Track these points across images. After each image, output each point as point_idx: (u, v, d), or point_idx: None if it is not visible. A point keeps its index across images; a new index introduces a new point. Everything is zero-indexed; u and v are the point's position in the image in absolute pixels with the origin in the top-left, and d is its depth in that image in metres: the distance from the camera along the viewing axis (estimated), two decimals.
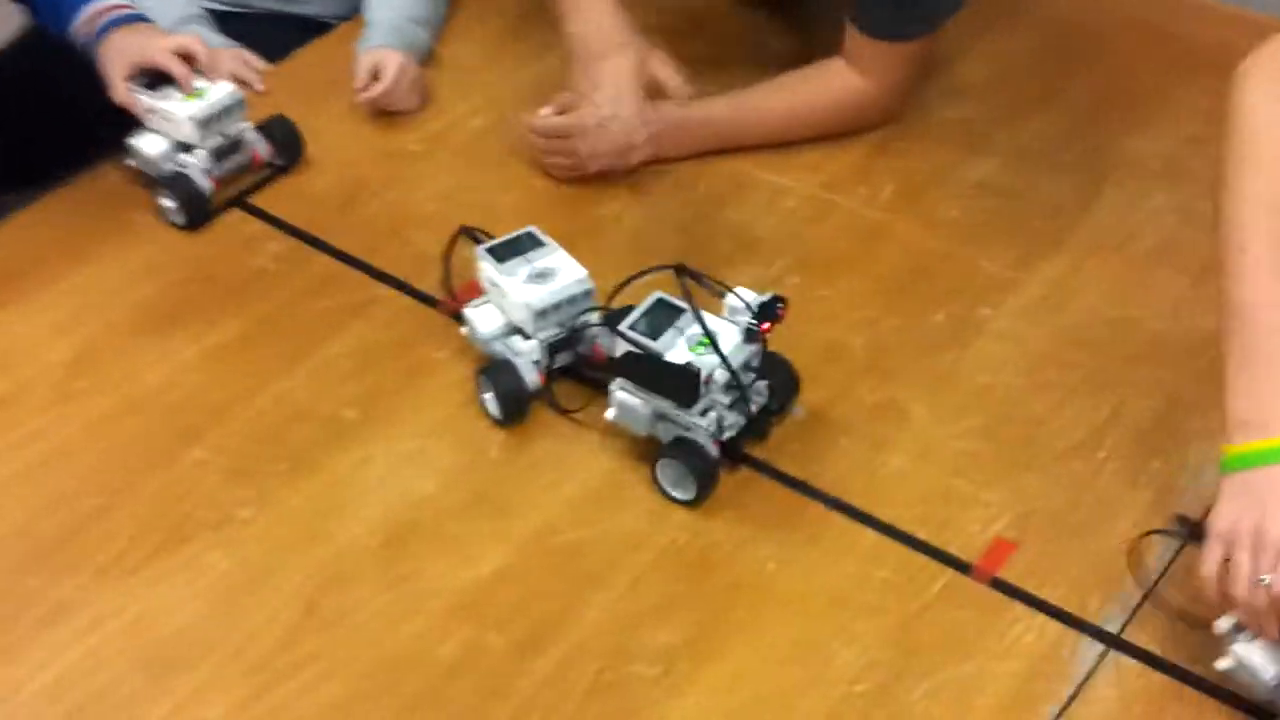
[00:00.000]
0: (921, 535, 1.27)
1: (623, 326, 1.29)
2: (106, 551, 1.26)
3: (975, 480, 1.32)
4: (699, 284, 1.31)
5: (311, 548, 1.27)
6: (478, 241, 1.46)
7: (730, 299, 1.31)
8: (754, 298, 1.30)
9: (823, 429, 1.36)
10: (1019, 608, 1.22)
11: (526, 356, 1.37)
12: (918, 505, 1.30)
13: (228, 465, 1.34)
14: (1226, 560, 1.09)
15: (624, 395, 1.31)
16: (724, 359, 1.26)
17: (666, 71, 1.59)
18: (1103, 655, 1.18)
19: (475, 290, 1.46)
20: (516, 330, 1.39)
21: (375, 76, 1.71)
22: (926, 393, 1.39)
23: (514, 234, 1.41)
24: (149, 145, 1.59)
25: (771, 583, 1.24)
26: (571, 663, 1.18)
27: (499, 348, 1.39)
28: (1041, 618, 1.21)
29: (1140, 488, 1.30)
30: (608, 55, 1.59)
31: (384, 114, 1.72)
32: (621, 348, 1.29)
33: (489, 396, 1.37)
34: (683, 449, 1.29)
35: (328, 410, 1.39)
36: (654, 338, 1.28)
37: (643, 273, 1.33)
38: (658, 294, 1.32)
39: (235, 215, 1.61)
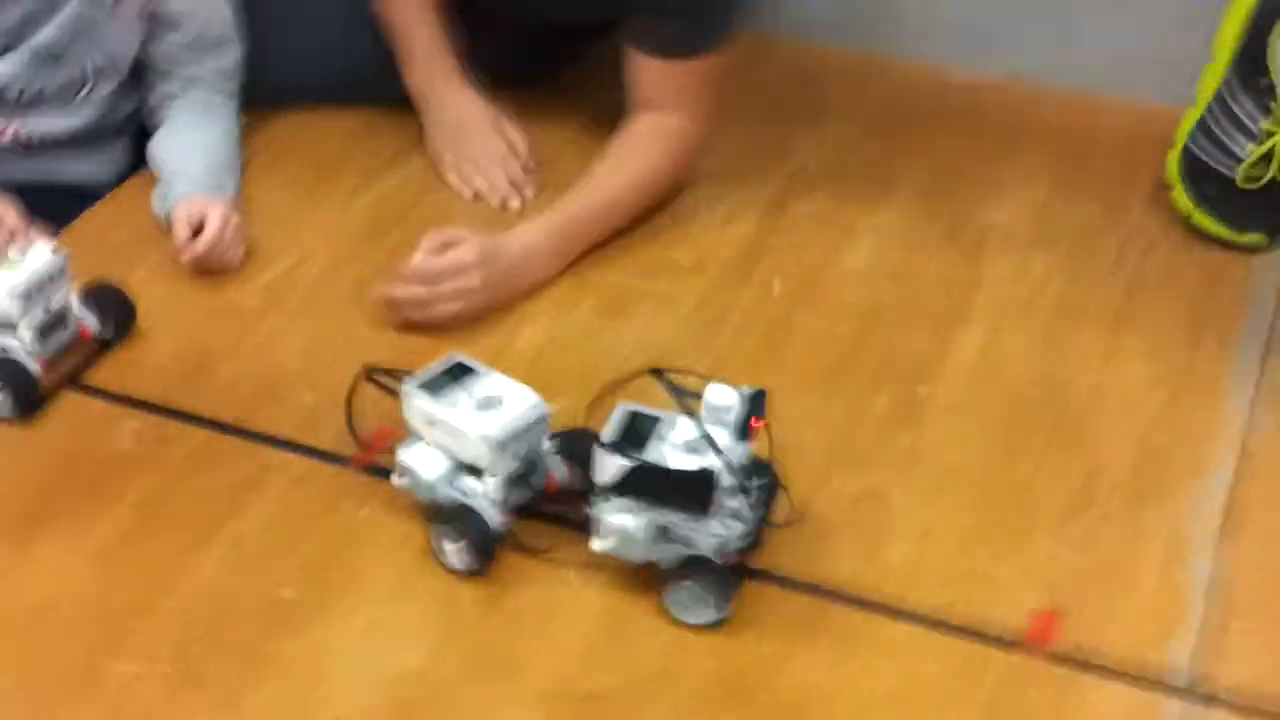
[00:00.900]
0: (956, 621, 1.21)
1: (599, 444, 1.18)
2: None
3: (986, 556, 1.26)
4: (670, 389, 1.23)
5: None
6: (381, 385, 1.34)
7: (709, 397, 1.22)
8: (734, 392, 1.22)
9: (811, 529, 1.28)
10: (1085, 678, 1.16)
11: (485, 496, 1.24)
12: (940, 591, 1.23)
13: (166, 674, 1.14)
14: None
15: (620, 520, 1.19)
16: (725, 459, 1.17)
17: (516, 135, 1.74)
18: (1193, 710, 1.14)
19: (386, 437, 1.33)
20: (467, 470, 1.26)
21: (196, 230, 1.56)
22: (901, 476, 1.34)
23: (438, 364, 1.29)
24: None
25: (824, 698, 1.14)
26: None
27: (448, 492, 1.25)
28: (1111, 684, 1.16)
29: (1148, 537, 1.29)
30: (470, 128, 1.74)
31: (205, 271, 1.56)
32: (611, 468, 1.18)
33: (452, 547, 1.23)
34: (696, 567, 1.18)
35: (261, 595, 1.22)
36: (640, 451, 1.18)
37: (616, 384, 1.23)
38: (626, 406, 1.23)
39: (72, 399, 1.41)
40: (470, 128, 1.74)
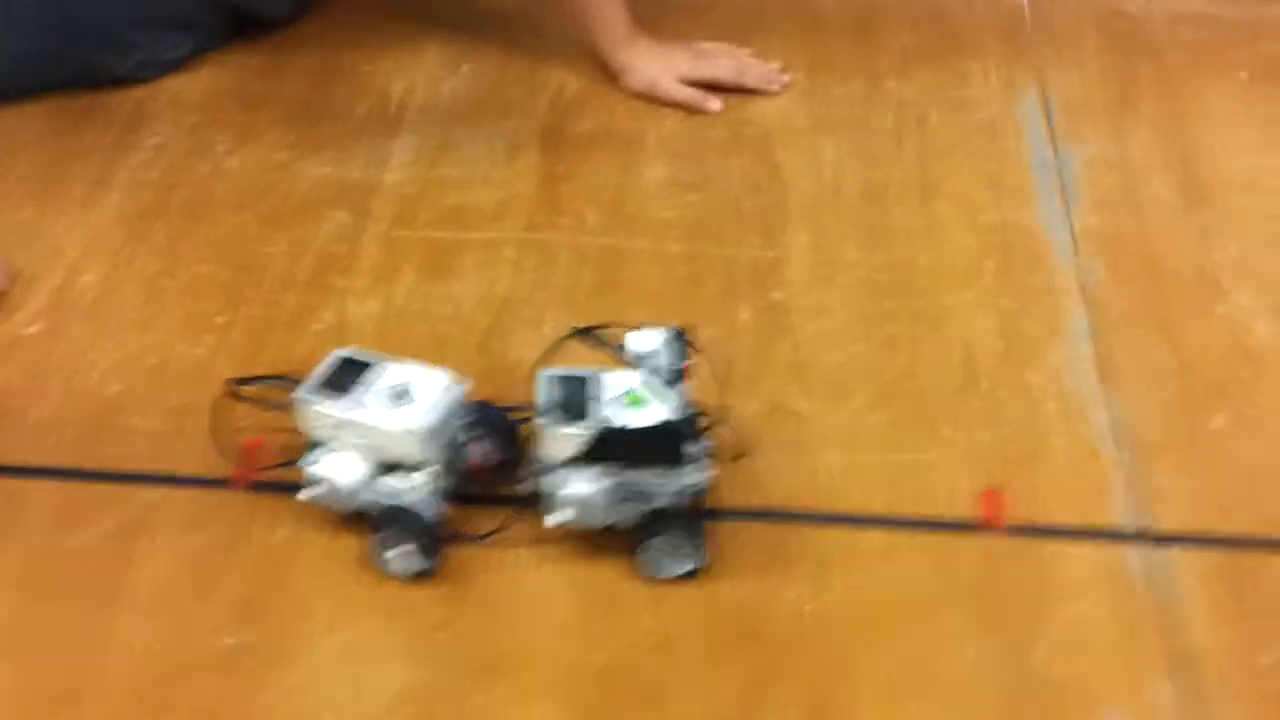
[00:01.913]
0: (912, 515, 1.24)
1: (545, 418, 1.14)
2: None
3: (911, 448, 1.30)
4: (590, 343, 1.20)
5: None
6: (245, 398, 1.25)
7: (633, 345, 1.20)
8: (656, 336, 1.20)
9: (732, 454, 1.28)
10: (1048, 546, 1.22)
11: (419, 491, 1.18)
12: (884, 490, 1.26)
13: None
14: None
15: (577, 489, 1.16)
16: (679, 407, 1.16)
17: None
18: (1152, 554, 1.21)
19: (257, 448, 1.24)
20: (389, 468, 1.18)
21: None
22: (796, 385, 1.35)
23: (324, 365, 1.21)
24: None
25: (825, 622, 1.15)
26: None
27: (371, 496, 1.18)
28: (1073, 545, 1.22)
29: (1040, 400, 1.35)
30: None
31: None
32: (569, 439, 1.14)
33: (395, 553, 1.16)
34: (664, 521, 1.16)
35: (201, 648, 1.12)
36: (583, 416, 1.15)
37: (551, 349, 1.19)
38: (548, 371, 1.19)
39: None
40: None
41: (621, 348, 1.20)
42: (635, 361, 1.19)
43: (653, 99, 1.70)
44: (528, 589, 1.17)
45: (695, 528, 1.17)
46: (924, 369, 1.38)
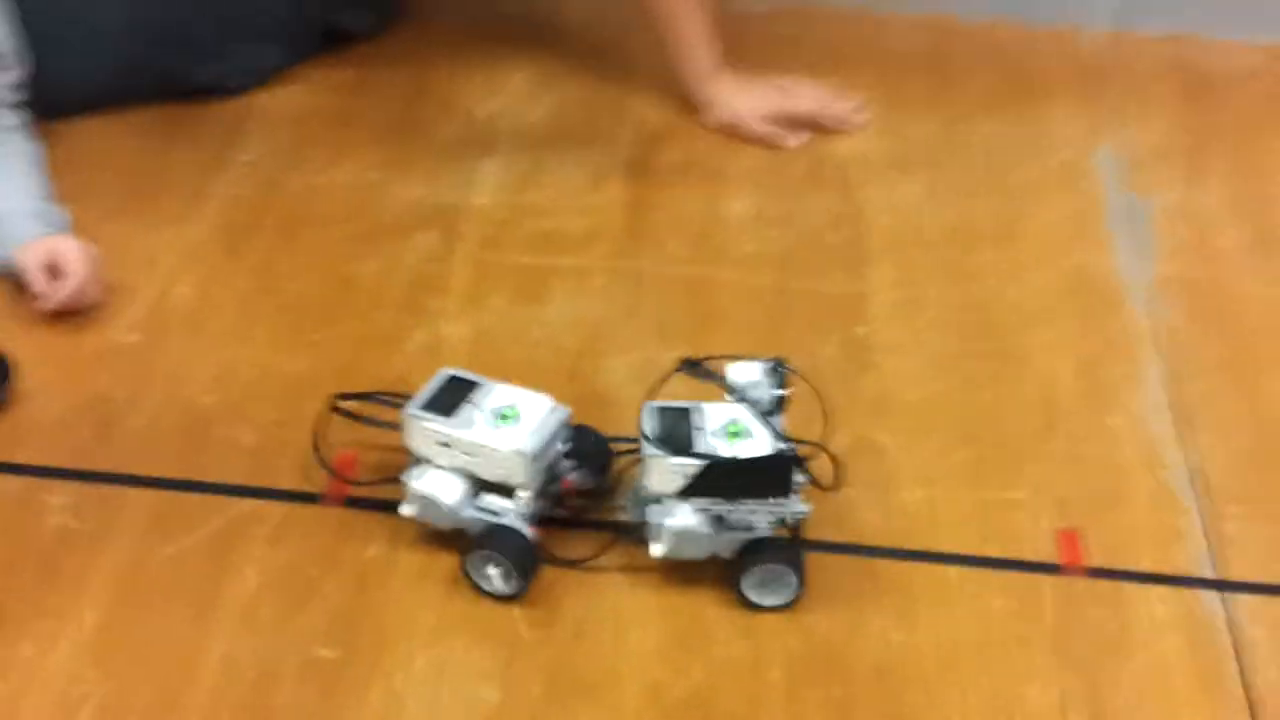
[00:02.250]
0: (994, 554, 1.25)
1: (654, 449, 1.16)
2: None
3: (992, 487, 1.31)
4: (698, 375, 1.22)
5: None
6: (346, 414, 1.27)
7: (734, 377, 1.21)
8: (756, 367, 1.21)
9: (827, 485, 1.29)
10: (1127, 587, 1.23)
11: (515, 512, 1.19)
12: (965, 528, 1.27)
13: None
14: None
15: (682, 520, 1.17)
16: (783, 437, 1.17)
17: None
18: (1225, 600, 1.22)
19: (351, 465, 1.26)
20: (487, 488, 1.20)
21: (54, 273, 1.41)
22: (881, 420, 1.36)
23: (434, 382, 1.22)
24: None
25: (911, 656, 1.16)
26: None
27: (472, 514, 1.20)
28: (1151, 588, 1.22)
29: (1121, 443, 1.36)
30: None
31: (61, 314, 1.41)
32: (678, 471, 1.15)
33: (496, 571, 1.18)
34: (768, 549, 1.18)
35: (296, 659, 1.13)
36: (688, 447, 1.16)
37: (659, 382, 1.20)
38: (653, 404, 1.21)
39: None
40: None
41: (723, 379, 1.21)
42: (737, 392, 1.21)
43: (735, 134, 1.71)
44: (618, 613, 1.18)
45: (796, 558, 1.18)
46: (1005, 408, 1.39)
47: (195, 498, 1.26)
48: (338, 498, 1.26)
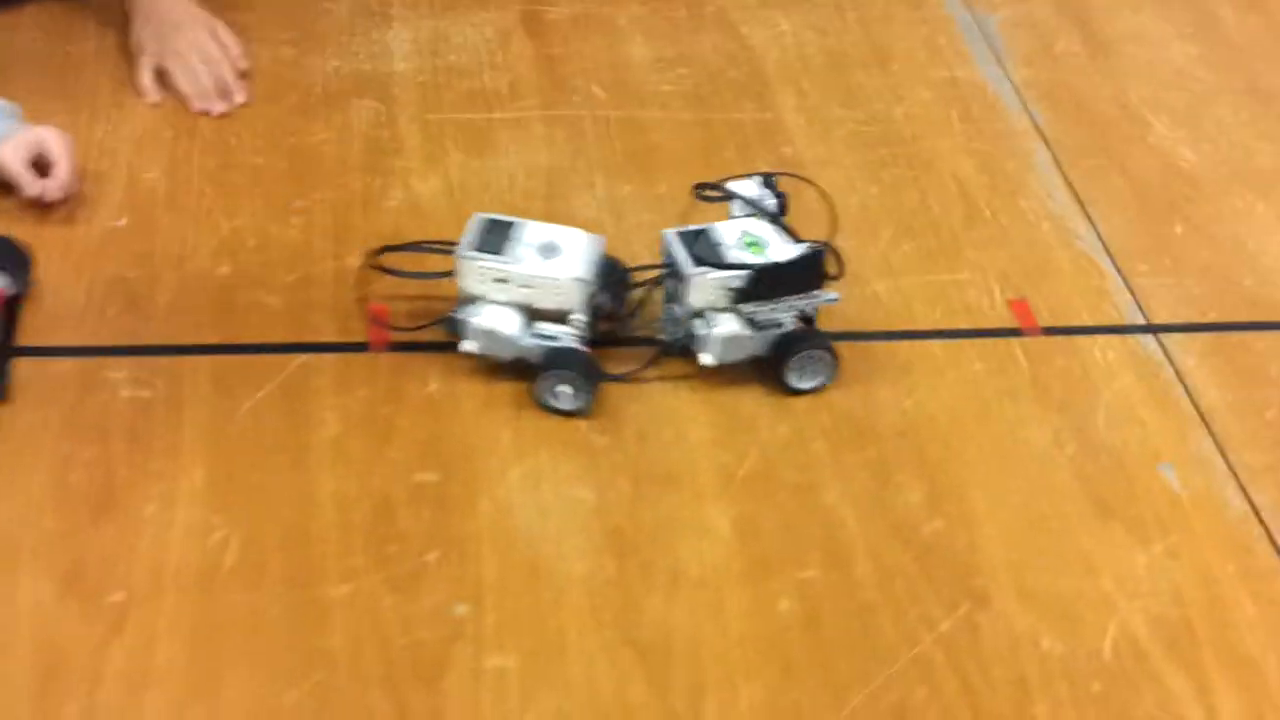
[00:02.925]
0: (964, 326, 1.42)
1: (694, 268, 1.27)
2: None
3: (942, 269, 1.48)
4: (711, 198, 1.34)
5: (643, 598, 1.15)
6: (390, 270, 1.34)
7: (742, 191, 1.34)
8: (754, 180, 1.34)
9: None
10: (1078, 340, 1.42)
11: (570, 335, 1.29)
12: (933, 307, 1.43)
13: (388, 578, 1.14)
14: None
15: (727, 328, 1.29)
16: (797, 238, 1.31)
17: (230, 38, 1.65)
18: (1159, 339, 1.43)
19: (386, 315, 1.34)
20: (542, 317, 1.29)
21: (37, 167, 1.41)
22: (831, 227, 1.51)
23: (473, 225, 1.30)
24: None
25: (928, 418, 1.32)
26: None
27: (532, 342, 1.29)
28: (1099, 337, 1.42)
29: (1050, 217, 1.55)
30: (183, 27, 1.62)
31: (49, 206, 1.42)
32: (720, 282, 1.27)
33: (566, 390, 1.27)
34: (807, 340, 1.31)
35: (397, 485, 1.22)
36: (723, 261, 1.28)
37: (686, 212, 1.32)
38: (671, 230, 1.32)
39: (29, 366, 1.28)
40: (184, 28, 1.63)
41: (729, 196, 1.33)
42: (746, 206, 1.33)
43: None
44: (672, 415, 1.30)
45: (829, 342, 1.32)
46: (930, 205, 1.56)
47: (247, 359, 1.31)
48: (382, 344, 1.34)
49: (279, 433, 1.25)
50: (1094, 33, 1.84)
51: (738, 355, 1.31)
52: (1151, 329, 1.44)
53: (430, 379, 1.31)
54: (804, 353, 1.31)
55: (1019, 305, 1.45)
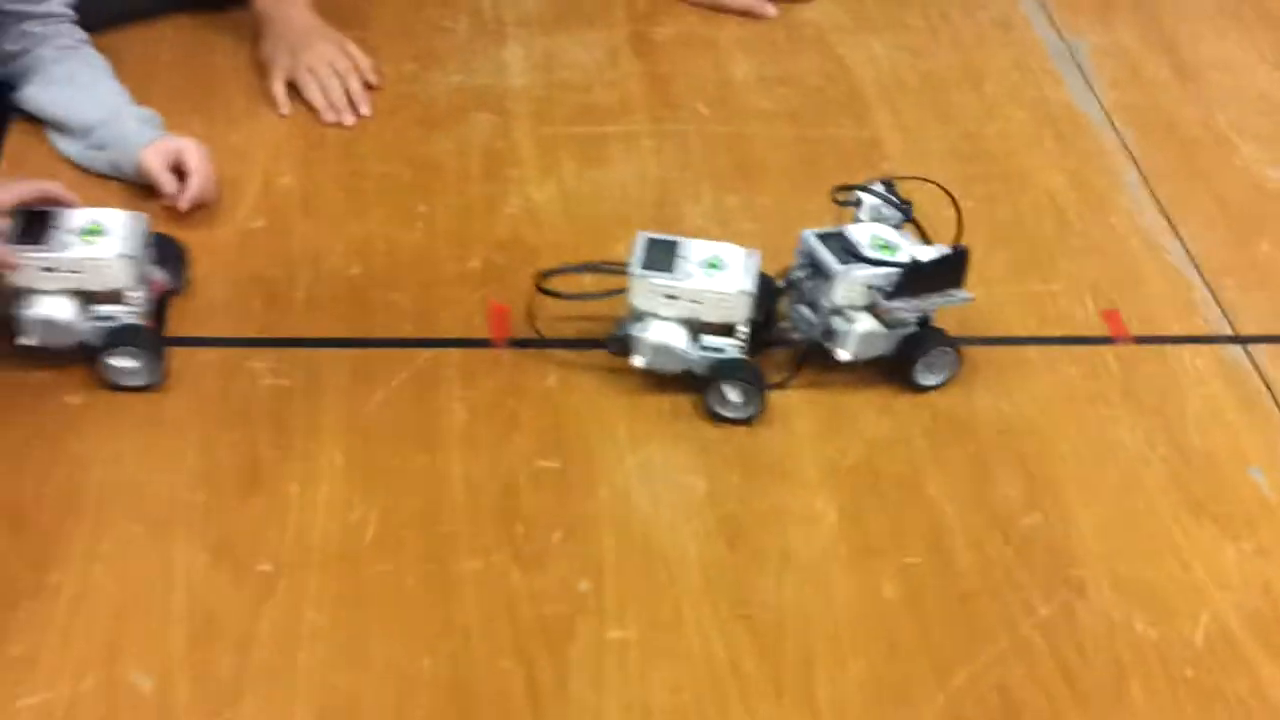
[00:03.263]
0: (1057, 334, 1.47)
1: (842, 269, 1.33)
2: None
3: (1034, 280, 1.53)
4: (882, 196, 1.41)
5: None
6: (554, 293, 1.40)
7: (867, 200, 1.39)
8: (880, 186, 1.40)
9: None
10: (1168, 349, 1.46)
11: (734, 347, 1.35)
12: (1026, 315, 1.49)
13: (517, 554, 1.21)
14: None
15: (864, 325, 1.34)
16: (927, 239, 1.40)
17: (359, 53, 1.73)
18: (1247, 350, 1.47)
19: (507, 315, 1.41)
20: (705, 329, 1.34)
21: (176, 172, 1.49)
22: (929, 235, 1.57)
23: (639, 245, 1.34)
24: (54, 309, 1.29)
25: (1022, 417, 1.38)
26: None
27: (701, 355, 1.34)
28: (1188, 347, 1.47)
29: (1139, 232, 1.60)
30: (313, 42, 1.70)
31: (188, 210, 1.50)
32: (867, 281, 1.33)
33: (739, 399, 1.33)
34: (936, 337, 1.38)
35: (521, 471, 1.28)
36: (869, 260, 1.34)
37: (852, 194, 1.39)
38: (809, 232, 1.37)
39: (180, 355, 1.36)
40: (315, 43, 1.71)
41: (858, 203, 1.40)
42: (874, 211, 1.39)
43: (718, 8, 1.88)
44: (777, 410, 1.36)
45: (954, 344, 1.38)
46: (1022, 218, 1.61)
47: (379, 352, 1.38)
48: (503, 340, 1.41)
49: (411, 420, 1.32)
50: (1180, 59, 1.89)
51: (871, 352, 1.37)
52: (1239, 340, 1.49)
53: (548, 374, 1.38)
54: (934, 350, 1.37)
55: (1110, 315, 1.50)
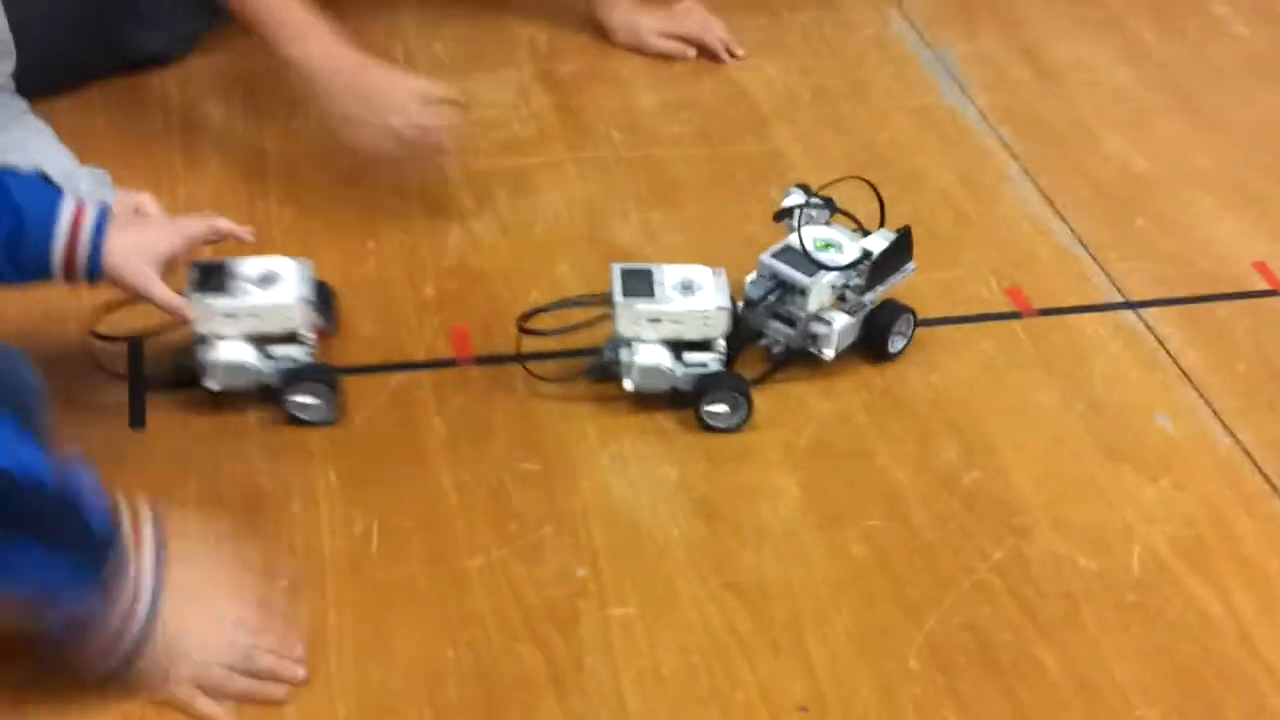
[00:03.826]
0: (971, 312, 1.60)
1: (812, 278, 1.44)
2: None
3: (943, 267, 1.65)
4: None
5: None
6: (537, 331, 1.46)
7: (793, 200, 1.53)
8: (799, 189, 1.54)
9: None
10: (1069, 318, 1.60)
11: (715, 360, 1.43)
12: (941, 298, 1.61)
13: (519, 549, 1.29)
14: None
15: (841, 322, 1.46)
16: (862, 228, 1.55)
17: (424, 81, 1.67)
18: (1138, 314, 1.61)
19: (468, 335, 1.50)
20: (686, 346, 1.42)
21: None
22: None
23: (615, 277, 1.42)
24: (235, 353, 1.37)
25: (951, 389, 1.50)
26: None
27: (687, 371, 1.42)
28: (1084, 315, 1.61)
29: (1029, 218, 1.73)
30: (364, 69, 1.62)
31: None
32: (833, 283, 1.45)
33: (726, 409, 1.42)
34: (895, 309, 1.50)
35: (506, 473, 1.37)
36: (816, 269, 1.45)
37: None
38: (765, 255, 1.48)
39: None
40: (384, 86, 1.63)
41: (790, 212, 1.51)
42: (807, 212, 1.51)
43: (638, 50, 1.98)
44: (794, 409, 1.46)
45: (910, 309, 1.50)
46: (923, 214, 1.73)
47: (355, 380, 1.43)
48: (467, 359, 1.49)
49: (395, 438, 1.40)
50: (1041, 62, 2.04)
51: (847, 343, 1.48)
52: (1131, 305, 1.63)
53: (515, 387, 1.46)
54: (899, 319, 1.49)
55: (1014, 292, 1.63)
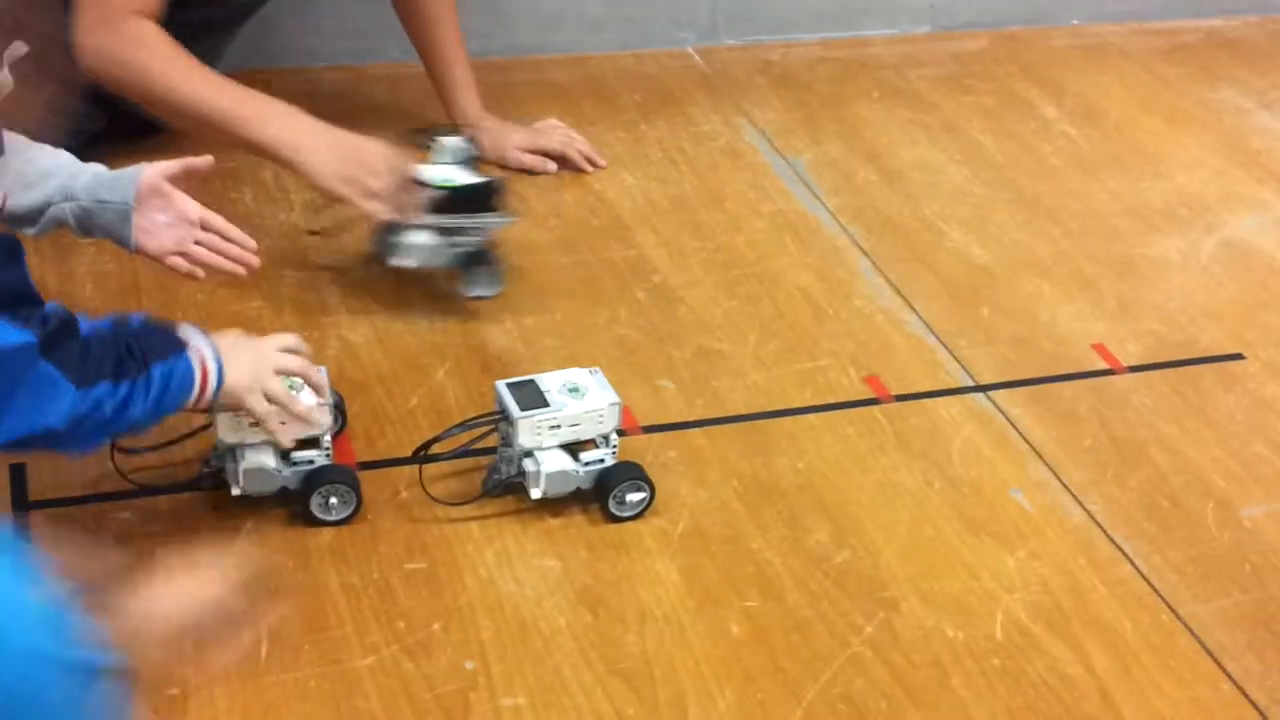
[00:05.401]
0: (832, 401, 1.64)
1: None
2: None
3: (805, 360, 1.70)
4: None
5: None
6: (433, 456, 1.47)
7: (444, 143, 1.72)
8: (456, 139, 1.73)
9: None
10: (926, 403, 1.65)
11: (611, 452, 1.46)
12: (803, 389, 1.66)
13: (408, 647, 1.29)
14: None
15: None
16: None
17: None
18: (989, 396, 1.67)
19: (347, 443, 1.51)
20: (583, 444, 1.45)
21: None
22: (708, 335, 1.73)
23: (504, 394, 1.43)
24: (267, 459, 1.40)
25: (817, 473, 1.54)
26: None
27: (577, 466, 1.43)
28: (940, 400, 1.66)
29: (882, 310, 1.79)
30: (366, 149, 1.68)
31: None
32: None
33: (636, 496, 1.44)
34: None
35: (396, 574, 1.37)
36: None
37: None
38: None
39: (42, 517, 1.40)
40: (361, 147, 1.67)
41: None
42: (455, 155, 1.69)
43: (503, 164, 2.02)
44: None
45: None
46: (783, 310, 1.79)
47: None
48: (352, 466, 1.49)
49: (282, 544, 1.39)
50: (883, 165, 2.12)
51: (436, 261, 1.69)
52: (981, 388, 1.68)
53: (400, 489, 1.47)
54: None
55: (872, 380, 1.68)
